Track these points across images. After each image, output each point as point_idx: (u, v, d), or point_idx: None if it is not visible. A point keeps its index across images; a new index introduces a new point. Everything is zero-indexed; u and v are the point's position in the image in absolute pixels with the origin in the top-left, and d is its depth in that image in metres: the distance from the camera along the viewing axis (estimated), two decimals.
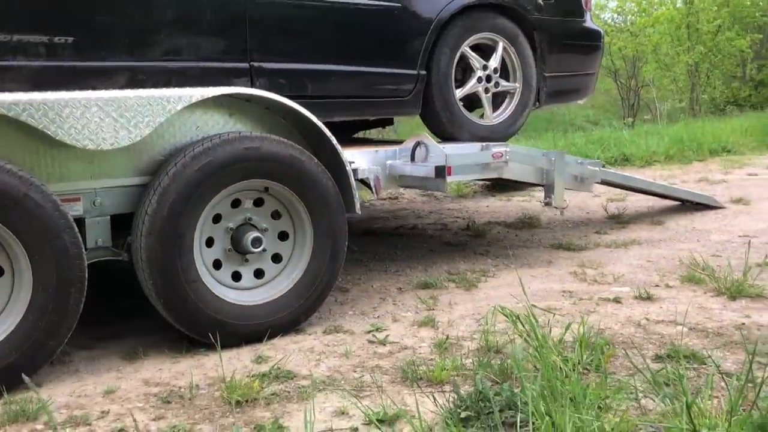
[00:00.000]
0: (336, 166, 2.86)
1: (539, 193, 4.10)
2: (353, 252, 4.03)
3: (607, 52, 20.35)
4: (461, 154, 3.41)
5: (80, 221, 2.42)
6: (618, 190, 5.22)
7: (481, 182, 6.26)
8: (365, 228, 4.87)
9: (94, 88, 2.62)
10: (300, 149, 2.73)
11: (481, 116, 3.92)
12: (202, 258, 2.60)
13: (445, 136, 3.83)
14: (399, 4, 3.50)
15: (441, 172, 3.05)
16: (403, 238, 4.57)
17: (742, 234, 4.20)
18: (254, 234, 2.65)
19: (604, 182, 4.37)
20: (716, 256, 3.70)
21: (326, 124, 2.90)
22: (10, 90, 2.48)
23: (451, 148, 3.39)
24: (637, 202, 5.33)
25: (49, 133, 2.25)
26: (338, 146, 2.84)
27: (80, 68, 2.73)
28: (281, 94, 2.84)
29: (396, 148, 3.35)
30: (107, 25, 2.80)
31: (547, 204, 3.74)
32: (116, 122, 2.35)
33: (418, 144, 3.22)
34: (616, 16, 20.68)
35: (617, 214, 4.95)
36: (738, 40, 15.79)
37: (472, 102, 3.93)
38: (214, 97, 2.62)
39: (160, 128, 2.50)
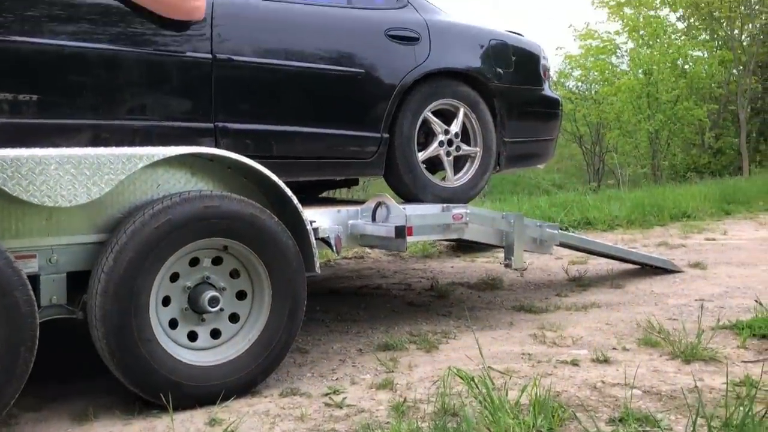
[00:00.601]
0: (297, 225, 2.88)
1: (502, 255, 4.16)
2: (315, 312, 4.02)
3: (572, 119, 21.04)
4: (422, 215, 3.47)
5: (35, 278, 2.39)
6: (580, 253, 5.31)
7: (446, 242, 6.32)
8: (330, 287, 4.86)
9: (57, 146, 2.64)
10: (260, 208, 2.75)
11: (443, 179, 4.01)
12: (158, 317, 2.57)
13: (408, 197, 3.90)
14: (362, 70, 3.60)
15: (401, 232, 3.09)
16: (366, 297, 4.57)
17: (698, 298, 4.28)
18: (212, 293, 2.64)
19: (563, 245, 4.45)
20: (673, 319, 3.77)
21: (291, 183, 2.94)
22: None
23: (411, 209, 3.45)
24: (598, 266, 5.42)
25: (6, 189, 2.24)
26: (299, 205, 2.87)
27: (44, 125, 2.75)
28: (246, 154, 2.87)
29: (358, 207, 3.39)
30: (73, 83, 2.84)
31: (507, 266, 3.80)
32: (75, 179, 2.36)
33: (379, 204, 3.27)
34: (580, 84, 21.45)
35: (578, 276, 5.02)
36: (695, 110, 16.42)
37: (435, 164, 4.01)
38: (176, 155, 2.64)
39: (120, 186, 2.51)
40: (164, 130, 3.03)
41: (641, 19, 18.43)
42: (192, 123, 3.11)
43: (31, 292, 2.27)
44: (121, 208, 2.59)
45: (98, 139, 2.89)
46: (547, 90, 4.61)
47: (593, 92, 20.27)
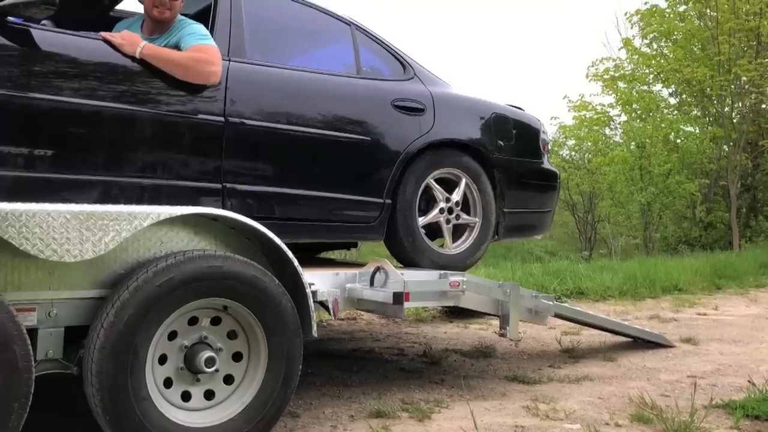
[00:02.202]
0: (296, 288, 2.90)
1: (496, 322, 4.18)
2: (307, 374, 3.99)
3: (566, 187, 21.28)
4: (419, 281, 3.50)
5: (33, 332, 2.39)
6: (572, 323, 5.32)
7: (440, 307, 6.32)
8: (321, 349, 4.84)
9: (68, 200, 2.68)
10: (262, 270, 2.77)
11: (442, 245, 4.06)
12: (153, 375, 2.56)
13: (405, 261, 3.94)
14: (368, 138, 3.70)
15: (399, 298, 3.11)
16: (358, 361, 4.55)
17: (690, 374, 4.28)
18: (208, 353, 2.64)
19: (558, 316, 4.47)
20: (665, 395, 3.76)
21: (291, 244, 2.98)
22: None
23: (409, 275, 3.48)
24: (591, 337, 5.42)
25: (13, 242, 2.26)
26: (300, 269, 2.90)
27: (57, 180, 2.80)
28: (251, 215, 2.93)
29: (356, 271, 3.42)
30: (87, 140, 2.90)
31: (502, 335, 3.81)
32: (82, 235, 2.39)
33: (378, 269, 3.30)
34: (573, 153, 21.80)
35: (571, 347, 5.02)
36: (687, 184, 16.66)
37: (434, 231, 4.07)
38: (181, 215, 2.68)
39: (124, 243, 2.53)
40: (173, 189, 3.09)
41: (635, 94, 18.88)
42: (201, 183, 3.17)
43: (30, 347, 2.27)
44: (124, 264, 2.62)
45: (108, 195, 2.94)
46: (546, 163, 4.72)
47: (587, 162, 20.57)
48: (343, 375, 4.11)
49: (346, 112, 3.69)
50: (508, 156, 4.34)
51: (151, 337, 2.52)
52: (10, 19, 2.75)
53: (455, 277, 3.59)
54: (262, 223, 2.89)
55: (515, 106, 4.76)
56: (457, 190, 4.04)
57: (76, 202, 2.70)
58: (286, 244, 2.91)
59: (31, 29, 2.80)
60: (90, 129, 2.89)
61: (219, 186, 3.21)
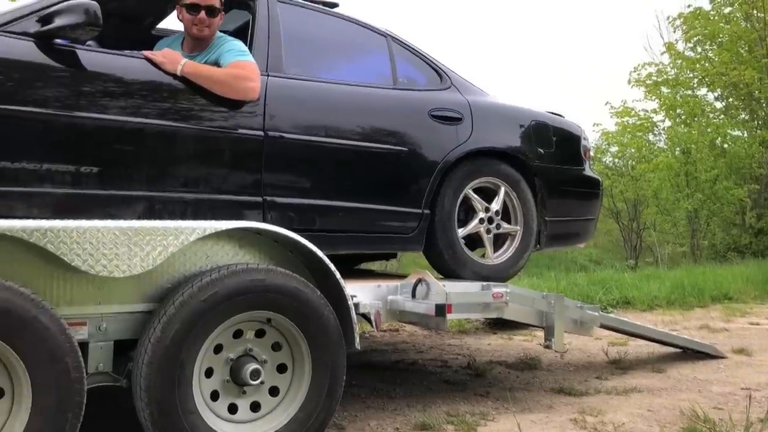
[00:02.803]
0: (338, 300, 2.91)
1: (540, 333, 4.13)
2: (351, 386, 3.99)
3: (609, 194, 20.94)
4: (462, 293, 3.48)
5: (84, 345, 2.45)
6: (619, 334, 5.22)
7: (482, 319, 6.26)
8: (364, 360, 4.84)
9: (113, 216, 2.76)
10: (304, 282, 2.79)
11: (483, 256, 4.03)
12: (200, 389, 2.60)
13: (446, 273, 3.92)
14: (406, 148, 3.70)
15: (441, 310, 3.10)
16: (402, 373, 4.54)
17: (744, 386, 4.15)
18: (254, 366, 2.66)
19: (604, 327, 4.39)
20: (718, 408, 3.66)
21: (330, 255, 3.00)
22: (33, 215, 2.61)
23: (452, 287, 3.46)
24: (638, 348, 5.31)
25: (65, 259, 2.33)
26: (342, 281, 2.91)
27: (102, 196, 2.87)
28: (291, 227, 2.96)
29: (398, 283, 3.41)
30: (132, 157, 2.98)
31: (547, 347, 3.75)
32: (130, 251, 2.44)
33: (419, 281, 3.29)
34: (616, 160, 21.45)
35: (618, 358, 4.92)
36: (735, 190, 16.22)
37: (474, 241, 4.04)
38: (226, 230, 2.72)
39: (171, 257, 2.58)
40: (215, 203, 3.14)
41: (679, 98, 18.50)
42: (242, 197, 3.22)
43: (81, 359, 2.33)
44: (171, 278, 2.66)
45: (152, 210, 3.00)
46: (588, 170, 4.66)
47: (630, 168, 20.21)
48: (387, 387, 4.11)
49: (384, 123, 3.71)
50: (549, 163, 4.29)
51: (197, 351, 2.56)
52: (57, 41, 2.84)
53: (498, 289, 3.55)
54: (302, 235, 2.93)
55: (555, 113, 4.72)
56: (496, 199, 4.01)
57: (121, 217, 2.78)
58: (330, 257, 2.93)
59: (76, 50, 2.89)
60: (134, 146, 2.96)
61: (260, 199, 3.25)
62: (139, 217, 2.99)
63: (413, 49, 4.12)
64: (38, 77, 2.77)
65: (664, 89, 18.90)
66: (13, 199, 2.72)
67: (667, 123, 19.22)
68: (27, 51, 2.76)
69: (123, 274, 2.43)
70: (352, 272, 4.27)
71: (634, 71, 19.30)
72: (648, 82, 19.13)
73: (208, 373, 2.65)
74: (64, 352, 2.27)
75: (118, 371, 2.57)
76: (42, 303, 2.26)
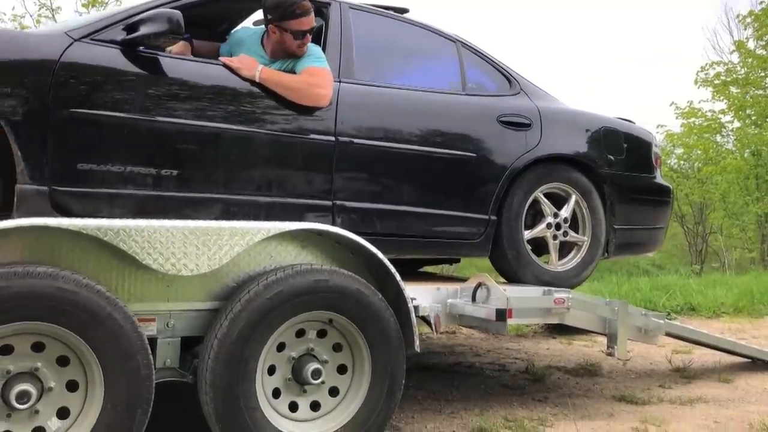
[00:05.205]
0: (398, 303, 2.93)
1: (601, 338, 4.05)
2: (408, 387, 3.99)
3: (674, 197, 20.28)
4: (522, 298, 3.45)
5: (152, 341, 2.54)
6: (683, 342, 5.07)
7: (541, 323, 6.18)
8: (421, 363, 4.84)
9: (190, 217, 2.85)
10: (366, 284, 2.82)
11: (547, 262, 3.98)
12: (263, 386, 2.65)
13: (508, 275, 3.90)
14: (474, 154, 3.69)
15: (502, 315, 3.08)
16: (459, 376, 4.52)
17: None
18: (315, 365, 2.71)
19: (669, 335, 4.28)
20: None
21: (392, 259, 3.00)
22: (116, 215, 2.72)
23: (512, 291, 3.43)
24: (704, 356, 5.15)
25: (136, 257, 2.42)
26: (402, 284, 2.92)
27: (181, 198, 2.96)
28: (359, 231, 2.99)
29: (458, 286, 3.40)
30: (209, 160, 3.04)
31: (609, 354, 3.68)
32: (198, 250, 2.52)
33: (479, 285, 3.27)
34: (682, 162, 20.81)
35: (682, 367, 4.78)
36: None
37: (540, 247, 4.00)
38: (289, 230, 2.77)
39: (237, 257, 2.64)
40: (287, 206, 3.18)
41: (749, 99, 17.82)
42: (313, 200, 3.25)
43: (151, 356, 2.41)
44: (236, 277, 2.73)
45: (227, 212, 3.06)
46: (659, 177, 4.56)
47: (696, 171, 19.57)
48: (443, 390, 4.10)
49: (453, 129, 3.70)
50: (619, 171, 4.21)
51: (261, 349, 2.61)
52: (141, 48, 2.94)
53: (560, 294, 3.51)
54: (369, 239, 2.95)
55: (625, 119, 4.63)
56: (566, 206, 3.96)
57: (198, 219, 2.86)
58: (391, 260, 2.94)
59: (159, 57, 2.98)
60: (211, 149, 3.03)
61: (329, 203, 3.29)
62: (214, 219, 3.07)
63: (483, 54, 4.10)
64: (124, 83, 2.86)
65: (733, 89, 18.24)
66: (99, 199, 2.82)
67: (736, 124, 18.55)
68: (115, 58, 2.86)
69: (191, 272, 2.50)
70: (413, 275, 4.27)
71: (702, 71, 18.68)
72: (716, 81, 18.48)
73: (271, 370, 2.71)
74: (136, 349, 2.35)
75: (185, 367, 2.65)
76: (116, 301, 2.35)
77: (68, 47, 2.78)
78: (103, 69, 2.83)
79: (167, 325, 2.61)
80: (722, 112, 18.58)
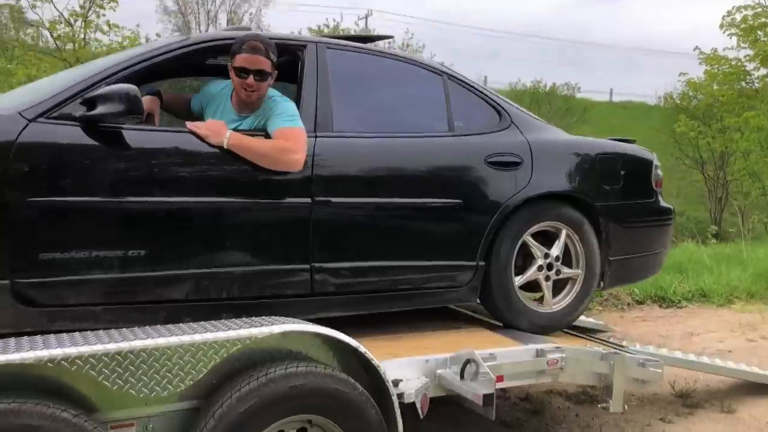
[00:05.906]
0: (381, 395, 2.86)
1: None
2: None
3: (695, 146, 19.89)
4: (514, 363, 3.37)
5: None
6: None
7: None
8: None
9: (159, 296, 2.86)
10: (345, 379, 2.74)
11: (541, 298, 3.89)
12: None
13: (502, 322, 3.83)
14: (460, 201, 3.56)
15: (489, 400, 3.01)
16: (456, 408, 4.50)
17: None
18: None
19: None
20: None
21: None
22: (83, 301, 2.72)
23: (503, 356, 3.34)
24: (708, 376, 5.07)
25: (107, 384, 2.37)
26: (386, 377, 2.85)
27: (150, 278, 2.91)
28: (340, 290, 3.09)
29: (447, 356, 3.31)
30: (177, 236, 2.99)
31: (604, 408, 3.62)
32: (170, 372, 2.46)
33: (468, 362, 3.19)
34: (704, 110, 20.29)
35: (686, 392, 4.71)
36: None
37: (533, 284, 3.91)
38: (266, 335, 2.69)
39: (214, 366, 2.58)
40: (263, 274, 3.13)
41: None
42: (289, 265, 3.19)
43: None
44: (216, 374, 2.64)
45: (198, 287, 3.02)
46: (660, 200, 4.39)
47: (719, 119, 19.06)
48: (442, 429, 4.08)
49: (438, 176, 3.58)
50: (615, 201, 4.07)
51: None
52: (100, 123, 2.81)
53: (553, 355, 3.43)
54: (353, 297, 2.89)
55: (624, 140, 4.45)
56: (556, 243, 3.85)
57: (169, 296, 2.83)
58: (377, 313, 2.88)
59: (122, 130, 2.86)
60: (180, 224, 2.97)
61: (308, 266, 3.22)
62: (186, 295, 3.02)
63: (471, 86, 3.92)
64: (85, 164, 2.77)
65: (761, 34, 17.50)
66: (64, 287, 2.78)
67: (762, 71, 17.91)
68: (73, 137, 2.76)
69: (165, 393, 2.46)
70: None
71: (728, 15, 17.91)
72: (743, 25, 17.73)
73: None
74: None
75: None
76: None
77: (23, 130, 2.67)
78: (62, 150, 2.75)
79: (146, 428, 2.58)
80: (748, 59, 17.93)
